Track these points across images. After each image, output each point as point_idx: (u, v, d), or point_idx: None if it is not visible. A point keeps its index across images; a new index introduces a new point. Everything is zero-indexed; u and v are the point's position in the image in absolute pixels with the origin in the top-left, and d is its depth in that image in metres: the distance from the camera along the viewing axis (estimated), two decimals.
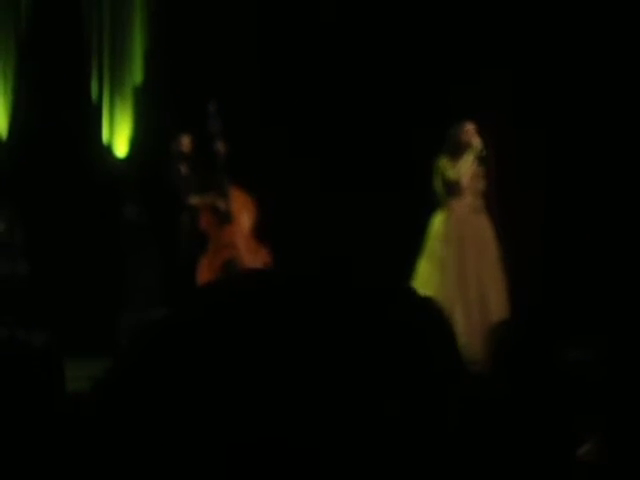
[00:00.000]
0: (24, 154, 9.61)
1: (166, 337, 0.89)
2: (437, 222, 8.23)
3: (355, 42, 9.60)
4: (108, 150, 9.94)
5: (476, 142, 8.08)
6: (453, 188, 8.10)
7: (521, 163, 9.11)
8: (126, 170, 9.77)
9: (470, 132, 8.13)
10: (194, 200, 9.02)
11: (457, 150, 8.13)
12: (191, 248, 8.96)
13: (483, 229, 8.17)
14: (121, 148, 9.96)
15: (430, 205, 8.34)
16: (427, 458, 0.86)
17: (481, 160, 8.08)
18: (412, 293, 0.95)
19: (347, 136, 9.48)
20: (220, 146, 8.89)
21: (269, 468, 0.83)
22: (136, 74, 10.06)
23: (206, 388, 0.84)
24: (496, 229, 8.22)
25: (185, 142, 9.18)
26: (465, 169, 8.09)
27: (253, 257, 8.83)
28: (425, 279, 7.99)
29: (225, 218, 8.94)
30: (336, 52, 9.63)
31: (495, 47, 9.33)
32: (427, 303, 0.95)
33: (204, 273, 8.85)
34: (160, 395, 0.85)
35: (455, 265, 8.09)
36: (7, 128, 9.84)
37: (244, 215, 9.01)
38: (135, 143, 9.92)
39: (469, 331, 7.29)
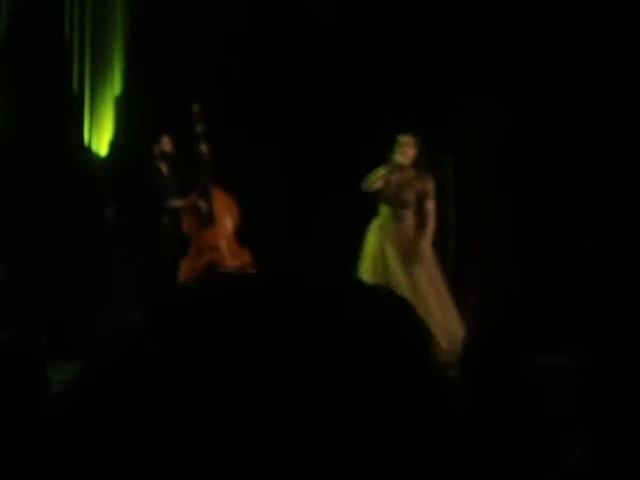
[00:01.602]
0: (2, 154, 9.53)
1: (142, 339, 0.88)
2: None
3: (344, 44, 9.58)
4: (89, 151, 9.88)
5: (397, 155, 8.18)
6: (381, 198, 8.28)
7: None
8: (106, 171, 9.71)
9: (402, 144, 8.22)
10: (176, 203, 8.99)
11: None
12: (172, 250, 8.92)
13: (401, 238, 8.17)
14: (102, 149, 9.91)
15: None
16: (395, 471, 0.85)
17: (400, 169, 8.18)
18: (385, 293, 0.93)
19: (333, 138, 9.45)
20: (203, 147, 8.88)
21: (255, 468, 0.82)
22: (117, 74, 10.01)
23: (179, 390, 0.83)
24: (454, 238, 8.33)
25: (166, 142, 9.14)
26: (374, 178, 8.21)
27: (235, 259, 8.80)
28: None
29: (207, 220, 8.90)
30: (323, 53, 9.59)
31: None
32: (402, 304, 0.93)
33: (186, 275, 8.81)
34: (133, 395, 0.85)
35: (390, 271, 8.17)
36: None
37: (227, 217, 8.98)
38: (116, 144, 9.86)
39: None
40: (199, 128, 8.90)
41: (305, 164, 9.44)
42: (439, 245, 8.95)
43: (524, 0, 9.30)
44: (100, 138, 9.91)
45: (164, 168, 9.18)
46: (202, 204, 8.92)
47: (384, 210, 8.33)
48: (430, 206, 8.29)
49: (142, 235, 9.22)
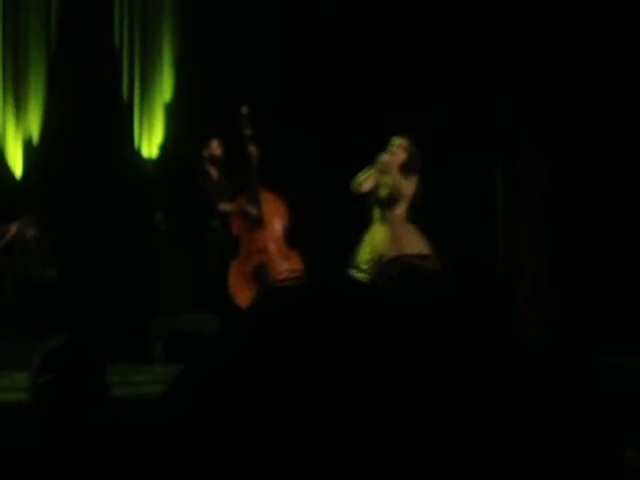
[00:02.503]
0: (55, 159, 9.62)
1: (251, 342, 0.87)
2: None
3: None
4: (139, 155, 9.94)
5: (385, 154, 8.19)
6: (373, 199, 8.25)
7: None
8: (157, 175, 9.76)
9: (394, 145, 8.23)
10: (225, 207, 9.01)
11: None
12: (222, 253, 8.95)
13: (387, 240, 8.13)
14: (152, 153, 9.96)
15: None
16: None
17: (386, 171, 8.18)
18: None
19: (377, 140, 9.44)
20: (252, 150, 8.88)
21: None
22: (167, 80, 10.06)
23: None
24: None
25: (215, 146, 9.17)
26: (360, 180, 8.20)
27: (285, 262, 8.79)
28: None
29: (256, 223, 8.91)
30: (373, 57, 9.59)
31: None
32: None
33: (235, 278, 8.83)
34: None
35: None
36: (39, 134, 9.85)
37: (276, 220, 8.98)
38: (166, 148, 9.91)
39: None
40: (248, 131, 8.90)
41: (356, 165, 9.40)
42: (487, 244, 8.93)
43: None
44: (150, 143, 9.97)
45: (214, 172, 9.21)
46: (251, 208, 8.93)
47: (376, 212, 8.28)
48: (400, 209, 8.23)
49: (192, 239, 9.26)
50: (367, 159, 9.43)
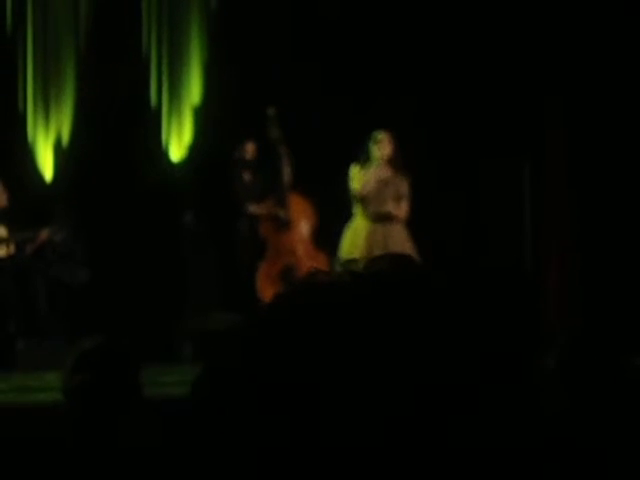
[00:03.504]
0: (85, 162, 9.69)
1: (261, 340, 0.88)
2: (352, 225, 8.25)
3: (426, 46, 9.57)
4: (167, 157, 9.99)
5: (382, 152, 8.13)
6: (358, 196, 8.17)
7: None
8: (185, 177, 9.81)
9: (379, 140, 8.17)
10: (253, 209, 9.04)
11: (366, 159, 8.20)
12: (250, 254, 8.98)
13: (390, 237, 8.07)
14: (180, 155, 10.01)
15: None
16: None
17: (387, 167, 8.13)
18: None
19: (410, 136, 9.47)
20: (281, 151, 8.88)
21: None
22: (195, 82, 10.11)
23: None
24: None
25: (249, 149, 9.20)
26: (366, 180, 8.13)
27: (312, 263, 8.82)
28: None
29: (284, 225, 8.95)
30: (403, 54, 9.59)
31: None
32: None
33: (263, 279, 8.87)
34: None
35: None
36: (68, 137, 9.93)
37: (303, 221, 9.00)
38: (194, 150, 9.96)
39: None
40: (275, 132, 8.91)
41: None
42: (516, 242, 8.93)
43: None
44: (179, 145, 10.03)
45: (246, 175, 9.24)
46: (279, 211, 8.95)
47: (360, 209, 8.23)
48: (404, 207, 8.21)
49: (220, 240, 9.30)
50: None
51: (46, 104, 9.96)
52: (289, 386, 0.84)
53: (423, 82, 9.55)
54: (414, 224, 8.74)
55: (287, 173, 8.90)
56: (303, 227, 9.01)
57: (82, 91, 9.92)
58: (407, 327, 0.85)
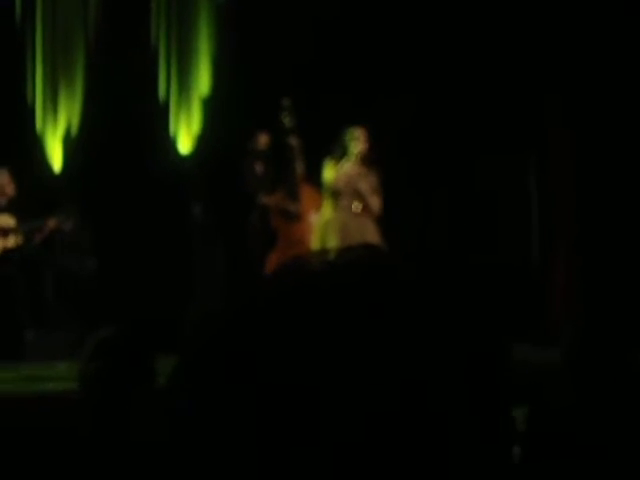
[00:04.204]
0: (94, 153, 9.71)
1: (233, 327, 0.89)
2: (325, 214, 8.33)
3: (439, 37, 9.57)
4: (176, 148, 10.01)
5: (353, 147, 8.20)
6: (330, 190, 8.26)
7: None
8: (193, 168, 9.83)
9: (355, 137, 8.22)
10: (264, 200, 9.05)
11: (342, 154, 8.27)
12: (260, 245, 9.00)
13: (362, 232, 8.13)
14: (189, 146, 10.03)
15: None
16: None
17: (362, 163, 8.19)
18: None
19: (421, 128, 9.48)
20: (293, 141, 8.86)
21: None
22: (203, 73, 10.12)
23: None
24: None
25: (262, 140, 9.21)
26: (341, 174, 8.21)
27: None
28: None
29: (294, 216, 8.96)
30: (416, 43, 9.59)
31: None
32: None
33: (273, 269, 8.86)
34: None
35: None
36: (77, 128, 9.95)
37: (313, 212, 9.01)
38: (202, 141, 9.97)
39: None
40: (289, 122, 8.88)
41: (393, 159, 9.42)
42: (523, 238, 8.93)
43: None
44: (187, 136, 10.04)
45: (258, 166, 9.25)
46: (289, 204, 8.95)
47: (332, 202, 8.29)
48: (376, 201, 8.27)
49: (228, 231, 9.32)
50: (412, 150, 9.40)
51: (55, 95, 9.98)
52: (260, 374, 0.85)
53: (429, 80, 9.55)
54: (419, 222, 8.77)
55: (299, 165, 8.90)
56: (313, 218, 9.02)
57: (91, 82, 9.93)
58: (373, 316, 0.86)
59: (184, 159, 9.97)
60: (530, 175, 9.36)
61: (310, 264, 0.93)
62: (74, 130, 9.95)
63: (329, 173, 8.31)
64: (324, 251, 0.96)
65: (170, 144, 9.98)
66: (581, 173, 9.31)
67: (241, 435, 0.84)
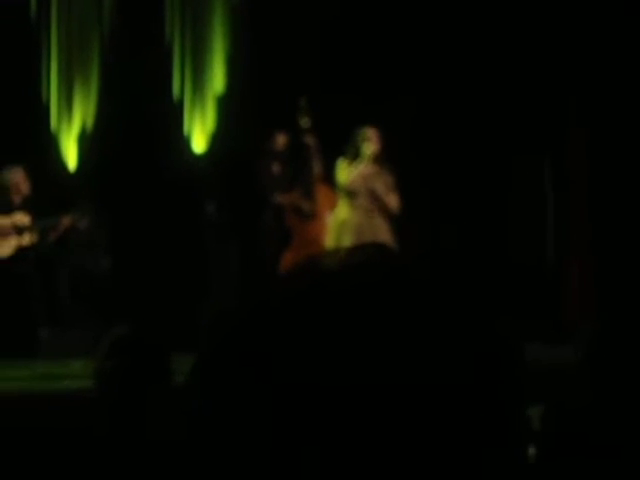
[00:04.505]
0: (108, 151, 9.73)
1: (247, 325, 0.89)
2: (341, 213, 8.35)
3: (453, 38, 9.56)
4: (190, 147, 10.02)
5: (366, 147, 8.21)
6: (345, 190, 8.29)
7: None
8: (207, 167, 9.84)
9: (368, 137, 8.24)
10: (279, 199, 9.04)
11: (355, 154, 8.28)
12: (274, 244, 9.00)
13: (376, 232, 8.12)
14: (203, 144, 10.04)
15: None
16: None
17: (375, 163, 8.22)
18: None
19: (434, 129, 9.46)
20: (310, 141, 8.86)
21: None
22: (218, 71, 10.12)
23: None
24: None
25: (280, 141, 9.20)
26: (356, 175, 8.22)
27: None
28: None
29: (309, 216, 8.96)
30: (430, 43, 9.58)
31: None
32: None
33: (287, 268, 8.86)
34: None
35: None
36: (92, 126, 9.97)
37: (328, 212, 9.01)
38: (217, 140, 9.98)
39: None
40: (305, 122, 8.87)
41: (407, 158, 9.42)
42: (538, 238, 8.92)
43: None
44: (201, 134, 10.05)
45: (275, 166, 9.25)
46: (304, 203, 8.95)
47: (347, 202, 8.31)
48: (394, 198, 8.29)
49: (242, 230, 9.32)
50: (425, 150, 9.40)
51: (70, 93, 10.00)
52: (274, 373, 0.85)
53: (446, 79, 9.53)
54: (433, 222, 8.76)
55: (317, 164, 8.90)
56: (328, 217, 9.02)
57: (105, 81, 9.95)
58: (387, 315, 0.86)
59: (198, 157, 9.98)
60: (546, 175, 9.35)
61: (324, 264, 0.93)
62: (89, 128, 9.97)
63: (343, 174, 8.33)
64: (338, 250, 0.96)
65: (184, 143, 9.99)
66: (596, 173, 9.29)
67: (256, 434, 0.84)
